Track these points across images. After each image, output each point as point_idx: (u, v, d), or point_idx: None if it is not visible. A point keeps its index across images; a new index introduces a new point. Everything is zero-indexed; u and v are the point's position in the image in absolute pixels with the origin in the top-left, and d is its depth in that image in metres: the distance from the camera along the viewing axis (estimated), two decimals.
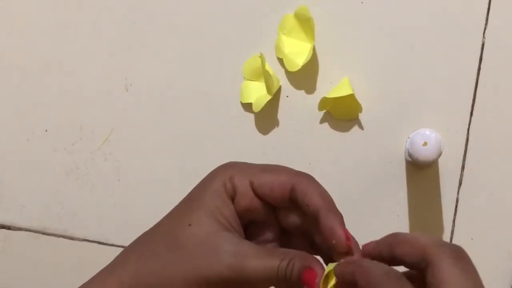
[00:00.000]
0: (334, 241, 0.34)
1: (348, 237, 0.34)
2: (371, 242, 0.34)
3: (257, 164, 0.37)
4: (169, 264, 0.35)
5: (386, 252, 0.32)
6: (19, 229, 0.67)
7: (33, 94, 0.66)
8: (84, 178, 0.66)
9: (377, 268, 0.30)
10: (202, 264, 0.34)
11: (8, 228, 0.67)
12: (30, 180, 0.66)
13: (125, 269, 0.36)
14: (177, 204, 0.38)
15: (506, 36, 0.60)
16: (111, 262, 0.38)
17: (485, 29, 0.60)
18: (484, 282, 0.30)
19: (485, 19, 0.60)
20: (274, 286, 0.35)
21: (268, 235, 0.38)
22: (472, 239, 0.61)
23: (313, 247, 0.38)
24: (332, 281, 0.33)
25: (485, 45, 0.60)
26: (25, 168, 0.67)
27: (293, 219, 0.37)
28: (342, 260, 0.34)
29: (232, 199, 0.36)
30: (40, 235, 0.66)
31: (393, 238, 0.32)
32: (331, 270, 0.33)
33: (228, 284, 0.34)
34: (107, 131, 0.66)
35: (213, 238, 0.35)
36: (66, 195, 0.66)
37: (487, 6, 0.60)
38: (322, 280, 0.33)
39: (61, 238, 0.67)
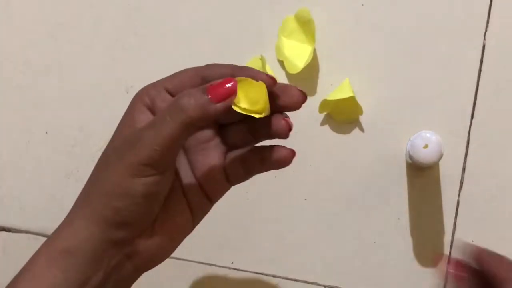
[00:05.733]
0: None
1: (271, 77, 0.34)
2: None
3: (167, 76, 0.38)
4: (100, 181, 0.38)
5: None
6: (19, 231, 0.67)
7: (33, 96, 0.66)
8: (85, 181, 0.66)
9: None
10: (126, 157, 0.36)
11: (8, 230, 0.67)
12: (30, 182, 0.66)
13: (69, 218, 0.39)
14: None
15: (507, 38, 0.60)
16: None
17: (486, 31, 0.60)
18: None
19: (486, 21, 0.60)
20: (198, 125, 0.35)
21: (206, 133, 0.39)
22: (472, 241, 0.61)
23: (253, 134, 0.39)
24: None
25: (486, 47, 0.60)
26: (25, 170, 0.66)
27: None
28: None
29: (151, 109, 0.37)
30: (40, 237, 0.66)
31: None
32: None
33: (154, 162, 0.35)
34: (107, 133, 0.65)
35: (132, 135, 0.37)
36: (66, 197, 0.66)
37: (488, 8, 0.60)
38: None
39: None
